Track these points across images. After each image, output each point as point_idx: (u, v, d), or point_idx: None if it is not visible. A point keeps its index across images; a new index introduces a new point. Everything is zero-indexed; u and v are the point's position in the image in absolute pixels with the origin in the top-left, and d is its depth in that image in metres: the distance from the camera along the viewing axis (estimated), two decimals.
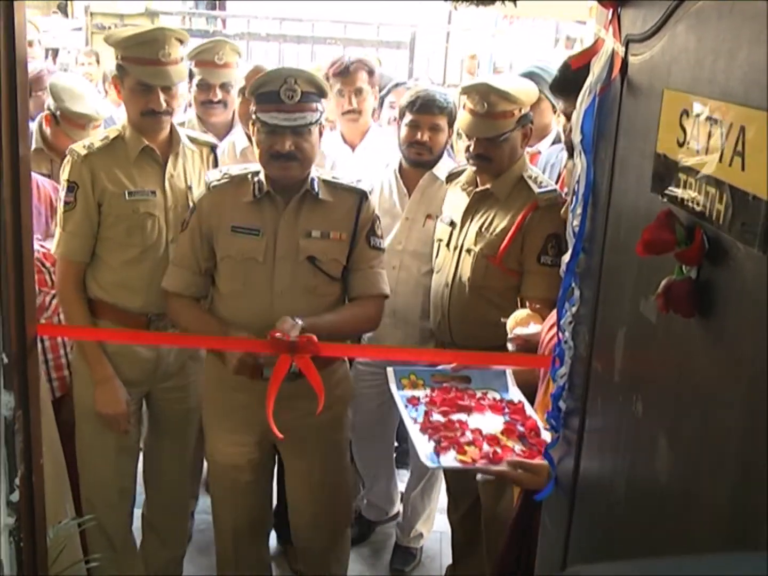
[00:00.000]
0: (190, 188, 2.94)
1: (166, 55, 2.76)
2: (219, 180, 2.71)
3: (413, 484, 3.63)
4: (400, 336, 3.26)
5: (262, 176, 2.65)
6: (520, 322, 2.48)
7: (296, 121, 2.52)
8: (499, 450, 2.06)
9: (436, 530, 3.82)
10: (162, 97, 2.78)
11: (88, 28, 7.26)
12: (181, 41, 2.86)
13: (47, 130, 3.49)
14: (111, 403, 2.84)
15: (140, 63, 2.77)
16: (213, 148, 3.10)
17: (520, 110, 2.86)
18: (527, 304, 2.57)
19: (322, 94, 2.63)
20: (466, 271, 2.91)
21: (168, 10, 8.16)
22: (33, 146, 3.69)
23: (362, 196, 2.70)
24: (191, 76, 3.69)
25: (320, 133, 2.66)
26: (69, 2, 8.48)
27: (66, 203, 2.81)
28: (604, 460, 1.52)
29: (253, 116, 2.61)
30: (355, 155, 3.76)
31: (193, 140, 3.03)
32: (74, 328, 2.75)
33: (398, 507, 3.85)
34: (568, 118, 2.61)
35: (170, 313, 2.77)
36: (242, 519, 2.88)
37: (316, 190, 2.65)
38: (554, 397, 1.77)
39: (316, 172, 2.70)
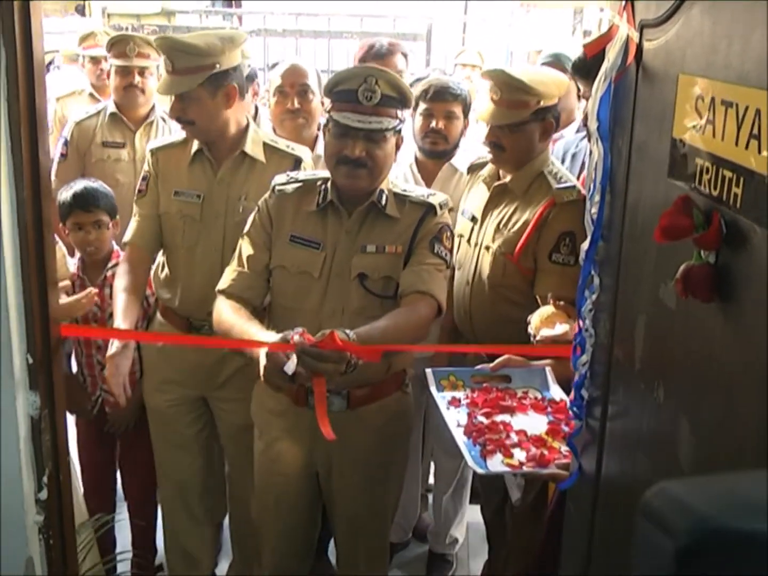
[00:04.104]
0: (243, 198, 2.79)
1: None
2: (284, 184, 2.55)
3: (443, 489, 3.51)
4: None
5: (329, 184, 2.48)
6: (546, 322, 2.43)
7: (371, 125, 2.33)
8: (545, 452, 2.03)
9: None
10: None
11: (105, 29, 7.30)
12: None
13: None
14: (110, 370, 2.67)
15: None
16: (297, 162, 2.86)
17: (537, 102, 2.74)
18: (550, 301, 2.52)
19: (404, 101, 2.44)
20: (485, 269, 2.83)
21: (184, 8, 8.18)
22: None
23: (429, 209, 2.48)
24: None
25: (398, 146, 2.47)
26: (86, 3, 8.52)
27: (139, 191, 2.91)
28: (626, 447, 1.52)
29: (327, 116, 2.43)
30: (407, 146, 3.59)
31: (274, 149, 2.88)
32: (96, 329, 2.77)
33: (421, 517, 3.74)
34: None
35: (214, 314, 2.48)
36: (284, 548, 2.71)
37: (384, 203, 2.45)
38: (576, 385, 1.76)
39: (387, 184, 2.50)
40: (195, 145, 2.84)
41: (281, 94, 3.32)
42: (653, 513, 0.76)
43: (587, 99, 2.63)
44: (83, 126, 3.92)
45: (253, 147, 2.84)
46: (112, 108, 3.93)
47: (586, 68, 2.58)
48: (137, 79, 3.86)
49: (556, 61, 3.80)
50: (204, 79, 2.67)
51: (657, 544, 0.74)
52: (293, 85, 3.27)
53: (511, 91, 2.72)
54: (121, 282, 2.81)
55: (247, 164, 2.84)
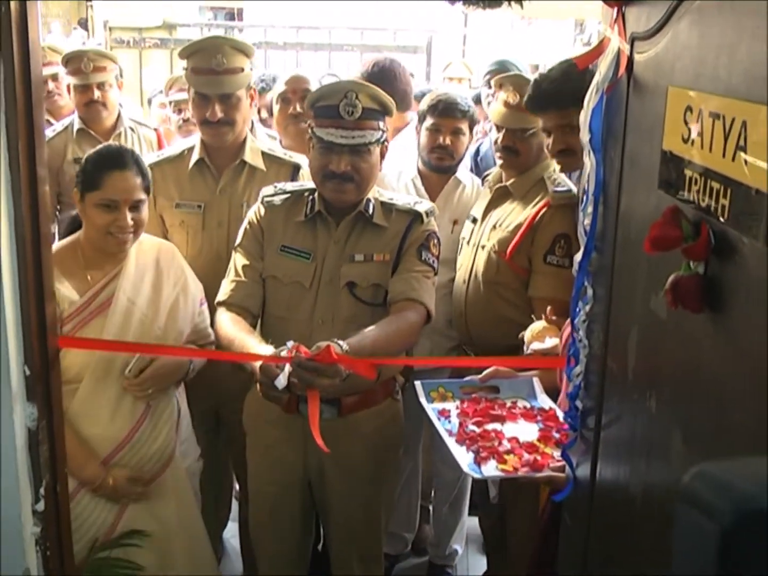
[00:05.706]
0: (245, 205, 2.83)
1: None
2: (273, 195, 2.57)
3: (443, 499, 3.52)
4: (428, 346, 3.12)
5: (316, 195, 2.50)
6: (537, 337, 2.45)
7: (354, 140, 2.36)
8: (539, 457, 2.05)
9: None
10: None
11: (108, 42, 7.34)
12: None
13: None
14: None
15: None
16: (296, 169, 2.95)
17: None
18: (543, 316, 2.53)
19: (385, 111, 2.46)
20: (480, 267, 2.88)
21: (186, 22, 8.23)
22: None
23: (415, 216, 2.50)
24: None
25: (382, 155, 2.49)
26: (89, 17, 8.59)
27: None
28: (620, 458, 1.52)
29: (309, 131, 2.46)
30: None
31: (273, 158, 2.95)
32: (96, 341, 2.76)
33: (421, 528, 3.73)
34: (548, 134, 2.61)
35: (215, 328, 2.51)
36: (280, 558, 2.71)
37: (371, 212, 2.48)
38: (571, 396, 1.77)
39: (374, 193, 2.53)
40: (195, 155, 2.88)
41: (284, 101, 3.44)
42: (694, 497, 0.73)
43: (546, 132, 2.64)
44: (52, 144, 3.73)
45: (252, 156, 2.91)
46: (78, 123, 3.88)
47: (538, 103, 2.60)
48: (97, 94, 3.81)
49: (501, 69, 3.85)
50: (247, 79, 2.83)
51: (700, 528, 0.71)
52: (295, 92, 3.38)
53: None
54: None
55: (247, 173, 2.90)
